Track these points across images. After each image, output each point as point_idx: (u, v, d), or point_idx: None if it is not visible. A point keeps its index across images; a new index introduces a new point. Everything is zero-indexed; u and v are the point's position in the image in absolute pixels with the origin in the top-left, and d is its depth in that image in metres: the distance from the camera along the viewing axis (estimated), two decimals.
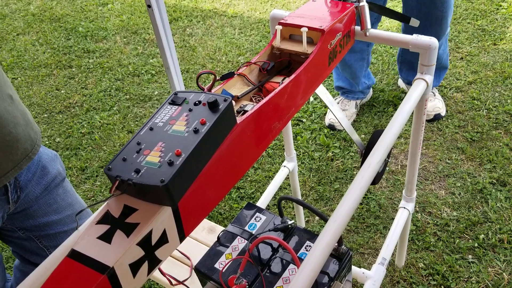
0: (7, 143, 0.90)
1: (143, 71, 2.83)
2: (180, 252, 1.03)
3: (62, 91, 2.76)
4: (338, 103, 2.23)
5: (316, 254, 0.66)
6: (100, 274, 0.50)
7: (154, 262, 0.56)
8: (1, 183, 0.92)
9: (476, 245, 1.59)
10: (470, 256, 1.56)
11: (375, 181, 1.11)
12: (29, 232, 1.12)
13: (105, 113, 2.53)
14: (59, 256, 0.63)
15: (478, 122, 2.05)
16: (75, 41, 3.23)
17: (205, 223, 1.38)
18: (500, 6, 2.83)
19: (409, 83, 2.25)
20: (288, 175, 1.52)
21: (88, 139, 2.37)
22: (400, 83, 2.33)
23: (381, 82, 2.39)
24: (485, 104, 2.15)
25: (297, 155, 2.06)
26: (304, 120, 2.24)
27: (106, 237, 0.53)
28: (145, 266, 0.55)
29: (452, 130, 2.06)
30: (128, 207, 0.55)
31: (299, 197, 1.66)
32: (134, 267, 0.53)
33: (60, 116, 2.56)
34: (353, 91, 2.20)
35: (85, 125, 2.46)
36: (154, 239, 0.55)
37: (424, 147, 2.00)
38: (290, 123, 1.39)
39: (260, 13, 3.23)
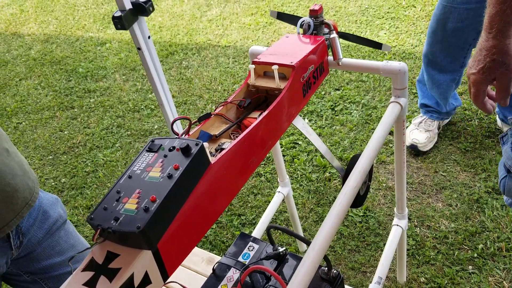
0: (7, 193, 0.95)
1: (142, 106, 2.91)
2: (180, 285, 1.07)
3: (66, 132, 2.84)
4: (421, 122, 2.12)
5: (297, 281, 0.70)
6: None
7: None
8: (4, 232, 0.97)
9: (475, 255, 1.60)
10: (470, 267, 1.57)
11: (358, 204, 1.14)
12: (34, 275, 1.16)
13: (108, 150, 2.59)
14: None
15: (470, 132, 2.08)
16: (76, 82, 3.32)
17: (204, 254, 1.41)
18: None
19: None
20: (284, 199, 1.56)
21: (93, 177, 2.43)
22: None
23: (374, 99, 2.43)
24: (477, 114, 2.18)
25: (295, 177, 2.10)
26: (300, 142, 2.28)
27: (91, 283, 0.57)
28: None
29: (446, 142, 2.08)
30: (111, 253, 0.60)
31: (297, 220, 1.69)
32: None
33: (65, 156, 2.63)
34: (438, 111, 2.08)
35: (89, 164, 2.53)
36: (137, 282, 0.59)
37: (419, 161, 2.03)
38: (279, 149, 1.43)
39: (252, 41, 3.31)
